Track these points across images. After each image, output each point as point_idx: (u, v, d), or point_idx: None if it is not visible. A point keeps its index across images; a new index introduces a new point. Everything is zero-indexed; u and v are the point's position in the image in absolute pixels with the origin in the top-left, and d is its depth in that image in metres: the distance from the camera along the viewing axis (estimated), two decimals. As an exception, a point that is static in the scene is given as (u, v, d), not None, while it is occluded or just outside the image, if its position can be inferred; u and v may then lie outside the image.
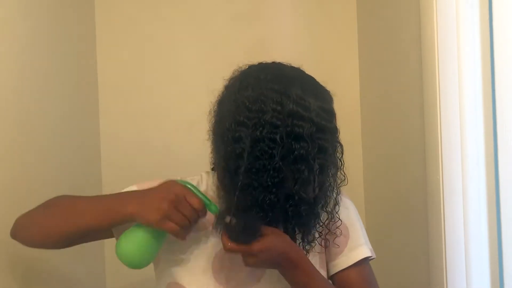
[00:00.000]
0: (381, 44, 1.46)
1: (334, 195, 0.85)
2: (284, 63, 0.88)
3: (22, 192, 1.12)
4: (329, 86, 1.70)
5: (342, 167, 0.87)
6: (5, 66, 1.06)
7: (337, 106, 1.68)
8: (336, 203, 0.86)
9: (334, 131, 0.83)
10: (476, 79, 0.97)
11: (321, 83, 0.89)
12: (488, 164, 0.97)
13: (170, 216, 0.73)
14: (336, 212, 0.85)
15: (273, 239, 0.75)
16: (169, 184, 0.77)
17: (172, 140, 1.62)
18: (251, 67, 0.85)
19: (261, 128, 0.74)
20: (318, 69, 1.70)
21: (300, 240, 0.83)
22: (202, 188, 0.88)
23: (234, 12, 1.68)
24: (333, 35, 1.70)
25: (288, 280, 0.80)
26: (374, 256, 0.91)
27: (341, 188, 0.88)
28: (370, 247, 0.91)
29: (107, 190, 1.63)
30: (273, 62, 0.87)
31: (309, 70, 1.82)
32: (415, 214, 1.22)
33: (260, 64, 0.86)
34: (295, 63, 0.91)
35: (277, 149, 0.73)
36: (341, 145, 0.88)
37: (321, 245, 0.88)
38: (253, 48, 1.67)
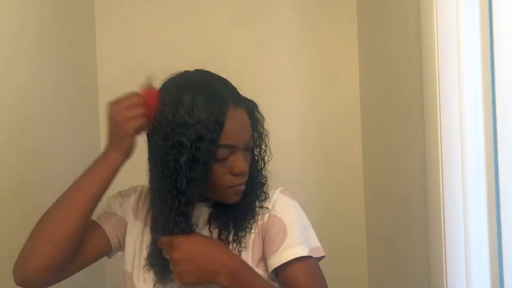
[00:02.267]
0: (381, 44, 1.46)
1: (261, 189, 0.91)
2: (193, 71, 0.92)
3: (22, 192, 1.12)
4: (329, 86, 1.71)
5: (263, 159, 0.92)
6: (4, 66, 1.06)
7: (337, 106, 1.70)
8: (265, 197, 0.90)
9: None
10: (476, 79, 0.97)
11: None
12: (488, 164, 0.97)
13: (129, 122, 0.83)
14: (267, 208, 0.89)
15: (196, 237, 0.82)
16: (109, 112, 0.85)
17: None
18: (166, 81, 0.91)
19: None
20: (318, 69, 1.71)
21: (231, 239, 0.87)
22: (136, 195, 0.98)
23: (234, 12, 1.68)
24: (333, 35, 1.70)
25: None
26: (320, 255, 0.88)
27: (284, 188, 0.93)
28: (313, 246, 0.87)
29: (107, 190, 1.63)
30: (186, 71, 0.92)
31: (309, 70, 1.83)
32: (415, 214, 1.22)
33: (180, 74, 0.91)
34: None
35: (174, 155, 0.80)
36: (261, 136, 0.91)
37: (260, 240, 0.89)
38: (253, 48, 1.68)
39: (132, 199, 0.97)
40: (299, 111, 1.69)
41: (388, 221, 1.46)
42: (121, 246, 0.95)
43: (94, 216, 0.91)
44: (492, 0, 0.90)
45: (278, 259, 0.84)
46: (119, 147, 0.85)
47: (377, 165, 1.56)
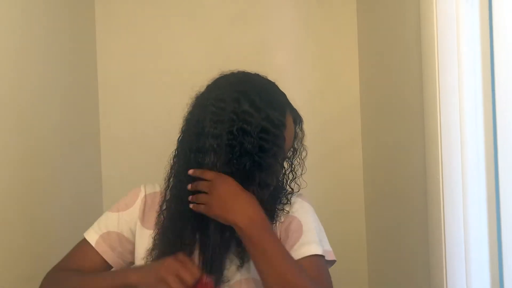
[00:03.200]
0: (381, 44, 1.46)
1: (285, 195, 0.94)
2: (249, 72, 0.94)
3: (22, 192, 1.12)
4: (329, 86, 1.71)
5: (292, 172, 0.96)
6: (4, 66, 1.06)
7: (337, 106, 1.69)
8: (287, 202, 0.93)
9: (278, 137, 0.86)
10: (476, 79, 0.97)
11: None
12: (488, 164, 0.97)
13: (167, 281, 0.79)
14: (287, 211, 0.92)
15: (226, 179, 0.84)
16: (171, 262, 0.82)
17: (172, 140, 1.61)
18: (220, 77, 0.93)
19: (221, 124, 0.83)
20: (318, 69, 1.71)
21: None
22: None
23: (234, 12, 1.68)
24: (333, 35, 1.70)
25: (247, 242, 0.81)
26: (331, 258, 0.92)
27: (301, 193, 0.98)
28: (326, 248, 0.91)
29: (107, 189, 1.64)
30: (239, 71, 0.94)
31: (309, 70, 1.84)
32: (415, 214, 1.22)
33: (229, 73, 0.93)
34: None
35: (232, 141, 0.82)
36: (295, 151, 0.95)
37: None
38: (253, 49, 1.68)
39: (137, 208, 0.95)
40: (299, 111, 1.69)
41: (388, 221, 1.46)
42: (132, 259, 0.95)
43: (93, 241, 0.93)
44: (492, 0, 0.90)
45: (293, 255, 0.85)
46: (148, 280, 0.82)
47: (377, 165, 1.56)
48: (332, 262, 0.93)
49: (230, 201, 0.81)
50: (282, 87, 0.95)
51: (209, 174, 0.84)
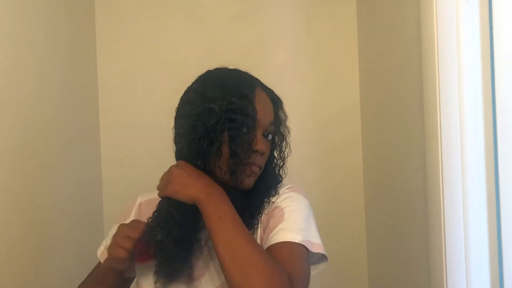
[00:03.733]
0: (381, 44, 1.46)
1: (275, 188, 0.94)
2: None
3: (22, 192, 1.12)
4: (329, 86, 1.71)
5: (281, 158, 0.97)
6: (4, 66, 1.06)
7: (337, 106, 1.70)
8: (275, 193, 0.93)
9: (246, 107, 0.87)
10: (476, 79, 0.97)
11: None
12: (488, 164, 0.97)
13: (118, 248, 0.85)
14: (273, 202, 0.91)
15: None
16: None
17: (172, 140, 1.62)
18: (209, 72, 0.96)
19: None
20: (318, 69, 1.71)
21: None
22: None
23: (234, 12, 1.68)
24: (333, 35, 1.70)
25: (206, 209, 0.81)
26: (317, 251, 0.85)
27: (294, 185, 0.96)
28: (312, 240, 0.85)
29: (107, 189, 1.64)
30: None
31: (309, 70, 1.84)
32: (415, 214, 1.22)
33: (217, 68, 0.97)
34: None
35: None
36: (282, 137, 0.97)
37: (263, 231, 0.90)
38: (253, 48, 1.68)
39: (132, 216, 0.98)
40: (299, 111, 1.69)
41: (388, 221, 1.46)
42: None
43: (99, 253, 0.97)
44: (492, 0, 0.90)
45: (270, 241, 0.83)
46: (111, 265, 0.87)
47: (377, 165, 1.56)
48: (323, 258, 0.89)
49: (188, 178, 0.84)
50: (282, 87, 0.96)
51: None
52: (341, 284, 1.66)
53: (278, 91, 1.78)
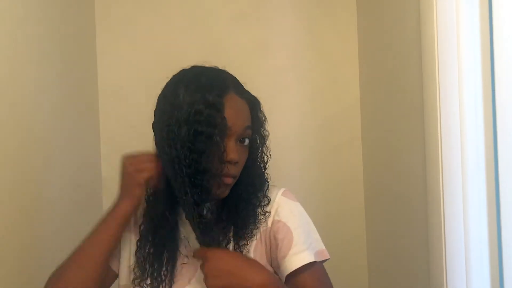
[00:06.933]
0: (381, 44, 1.46)
1: (265, 195, 0.92)
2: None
3: (22, 193, 1.12)
4: (329, 86, 1.71)
5: (262, 161, 0.93)
6: (4, 66, 1.06)
7: (337, 106, 1.69)
8: (268, 202, 0.91)
9: (213, 117, 0.82)
10: (476, 79, 0.97)
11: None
12: (488, 164, 0.97)
13: (140, 173, 0.89)
14: (268, 212, 0.90)
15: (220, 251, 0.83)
16: (123, 164, 0.93)
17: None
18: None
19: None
20: (318, 69, 1.71)
21: (232, 248, 0.88)
22: None
23: (235, 12, 1.68)
24: (333, 35, 1.70)
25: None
26: (325, 258, 0.90)
27: (286, 189, 0.94)
28: (318, 249, 0.89)
29: (107, 189, 1.64)
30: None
31: (309, 70, 1.83)
32: (415, 214, 1.22)
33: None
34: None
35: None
36: (262, 138, 0.93)
37: (263, 245, 0.90)
38: (253, 48, 1.68)
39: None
40: (299, 111, 1.69)
41: (388, 221, 1.46)
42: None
43: None
44: (492, 0, 0.90)
45: (287, 267, 0.85)
46: (130, 196, 0.89)
47: (377, 165, 1.56)
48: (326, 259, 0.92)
49: (238, 270, 0.79)
50: (282, 87, 0.96)
51: (201, 253, 0.83)
52: (341, 284, 1.66)
53: (278, 91, 1.79)
